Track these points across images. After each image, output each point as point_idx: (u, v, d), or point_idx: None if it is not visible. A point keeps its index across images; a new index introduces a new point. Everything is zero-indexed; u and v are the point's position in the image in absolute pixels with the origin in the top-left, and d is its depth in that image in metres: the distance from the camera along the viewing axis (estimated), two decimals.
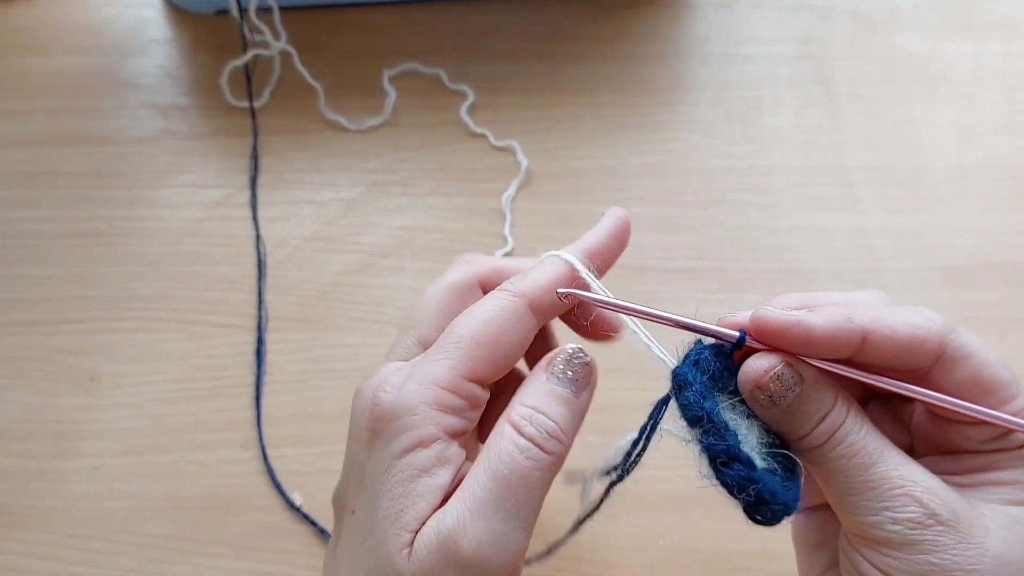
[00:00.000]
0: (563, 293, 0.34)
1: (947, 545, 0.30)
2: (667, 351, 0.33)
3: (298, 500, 0.55)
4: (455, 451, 0.32)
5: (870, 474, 0.31)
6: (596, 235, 0.37)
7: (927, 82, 0.69)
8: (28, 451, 0.57)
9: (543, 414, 0.32)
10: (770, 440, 0.32)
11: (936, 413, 0.34)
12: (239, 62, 0.69)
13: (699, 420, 0.30)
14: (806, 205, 0.64)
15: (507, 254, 0.62)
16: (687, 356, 0.32)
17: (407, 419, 0.32)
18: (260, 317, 0.61)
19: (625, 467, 0.34)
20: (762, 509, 0.30)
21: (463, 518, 0.30)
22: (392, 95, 0.69)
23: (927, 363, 0.32)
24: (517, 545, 0.31)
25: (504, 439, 0.31)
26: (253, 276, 0.62)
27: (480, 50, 0.71)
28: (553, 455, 0.32)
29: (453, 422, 0.32)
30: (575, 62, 0.70)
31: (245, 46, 0.69)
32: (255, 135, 0.67)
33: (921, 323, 0.32)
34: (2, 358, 0.60)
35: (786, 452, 0.32)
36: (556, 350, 0.34)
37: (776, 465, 0.32)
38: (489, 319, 0.33)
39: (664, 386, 0.32)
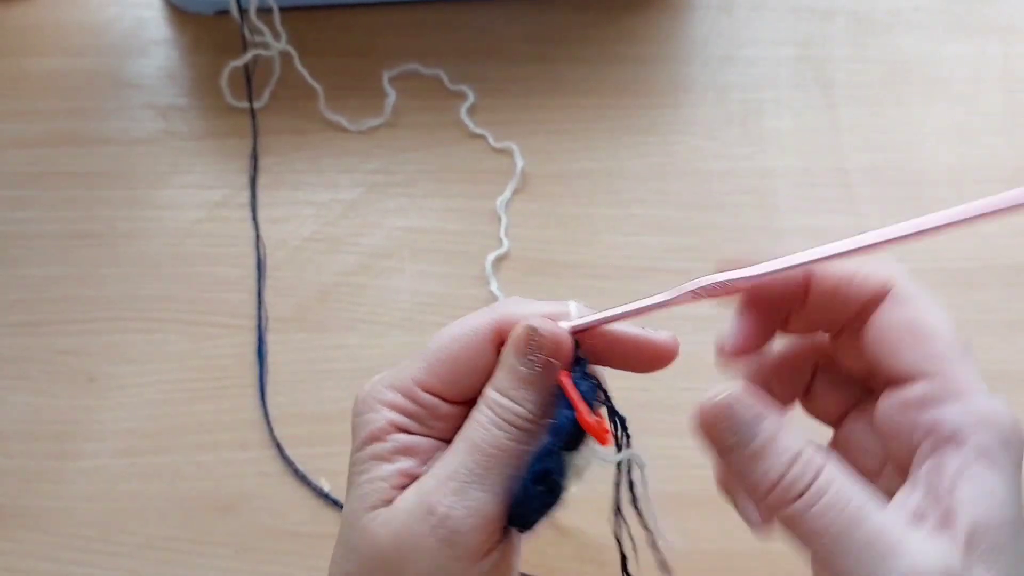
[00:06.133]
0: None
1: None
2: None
3: (326, 486, 0.55)
4: (421, 446, 0.33)
5: (866, 529, 0.28)
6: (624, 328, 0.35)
7: (927, 84, 0.69)
8: (28, 452, 0.57)
9: (511, 399, 0.32)
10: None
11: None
12: (239, 62, 0.69)
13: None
14: (806, 207, 0.64)
15: (500, 257, 0.62)
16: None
17: (367, 415, 0.33)
18: (260, 317, 0.61)
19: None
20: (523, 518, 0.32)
21: (440, 481, 0.31)
22: (392, 96, 0.69)
23: (871, 297, 0.33)
24: (489, 510, 0.31)
25: (480, 413, 0.32)
26: (253, 277, 0.62)
27: (480, 51, 0.71)
28: (526, 431, 0.32)
29: (408, 423, 0.33)
30: (576, 64, 0.70)
31: (245, 46, 0.69)
32: (255, 136, 0.68)
33: (866, 265, 0.34)
34: (2, 358, 0.60)
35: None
36: (516, 327, 0.33)
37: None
38: (456, 336, 0.33)
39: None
